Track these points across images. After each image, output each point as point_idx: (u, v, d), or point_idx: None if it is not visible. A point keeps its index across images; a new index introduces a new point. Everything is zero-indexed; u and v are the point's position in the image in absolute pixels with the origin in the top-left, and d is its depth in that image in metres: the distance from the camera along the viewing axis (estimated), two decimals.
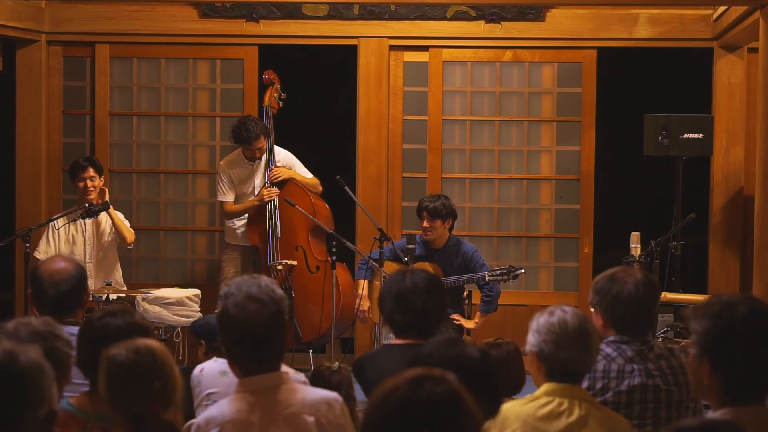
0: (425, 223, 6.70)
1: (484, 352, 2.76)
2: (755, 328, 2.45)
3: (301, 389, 3.19)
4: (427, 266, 6.61)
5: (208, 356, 4.46)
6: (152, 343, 2.97)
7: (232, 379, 3.46)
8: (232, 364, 3.15)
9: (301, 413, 3.10)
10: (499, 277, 6.63)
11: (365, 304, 6.81)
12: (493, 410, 2.70)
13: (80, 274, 3.98)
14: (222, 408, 3.12)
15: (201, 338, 4.62)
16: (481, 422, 1.93)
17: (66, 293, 3.91)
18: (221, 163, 7.44)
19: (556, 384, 3.14)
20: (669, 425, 2.11)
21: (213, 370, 4.16)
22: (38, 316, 3.99)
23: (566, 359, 3.13)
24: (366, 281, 6.86)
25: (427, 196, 6.87)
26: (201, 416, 3.14)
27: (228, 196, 7.31)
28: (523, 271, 6.70)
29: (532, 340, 3.18)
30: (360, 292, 6.85)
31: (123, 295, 6.45)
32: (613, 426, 3.18)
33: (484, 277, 6.65)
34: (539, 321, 3.19)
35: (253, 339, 3.07)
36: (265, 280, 3.49)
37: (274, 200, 7.21)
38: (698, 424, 2.01)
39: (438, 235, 6.74)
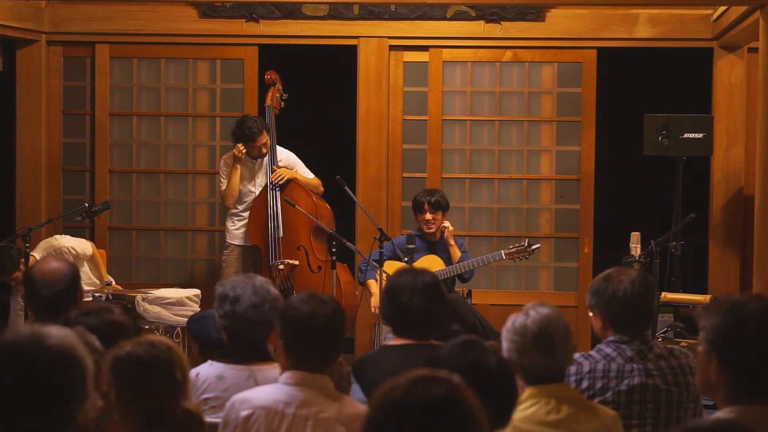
0: (428, 216, 6.83)
1: (501, 357, 2.74)
2: (765, 326, 2.45)
3: (343, 399, 3.25)
4: (437, 259, 6.68)
5: (203, 358, 4.29)
6: (163, 337, 2.98)
7: (229, 383, 3.48)
8: (286, 355, 3.22)
9: (335, 421, 3.14)
10: (517, 254, 6.68)
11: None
12: (508, 417, 2.69)
13: (74, 274, 3.99)
14: (261, 392, 3.20)
15: (199, 341, 4.32)
16: (485, 425, 1.93)
17: (60, 293, 3.92)
18: (224, 157, 7.41)
19: (538, 386, 3.13)
20: (680, 425, 2.09)
21: (209, 374, 3.89)
22: (34, 316, 4.00)
23: (530, 366, 3.12)
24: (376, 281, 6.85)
25: (422, 192, 7.02)
26: (239, 395, 3.22)
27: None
28: (539, 245, 6.76)
29: (503, 345, 3.17)
30: (372, 291, 6.83)
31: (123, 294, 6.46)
32: (601, 419, 3.18)
33: (501, 256, 6.70)
34: (507, 326, 3.18)
35: (313, 332, 3.18)
36: (260, 279, 3.55)
37: (276, 200, 7.20)
38: (711, 424, 2.02)
39: (438, 227, 6.87)
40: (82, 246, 6.91)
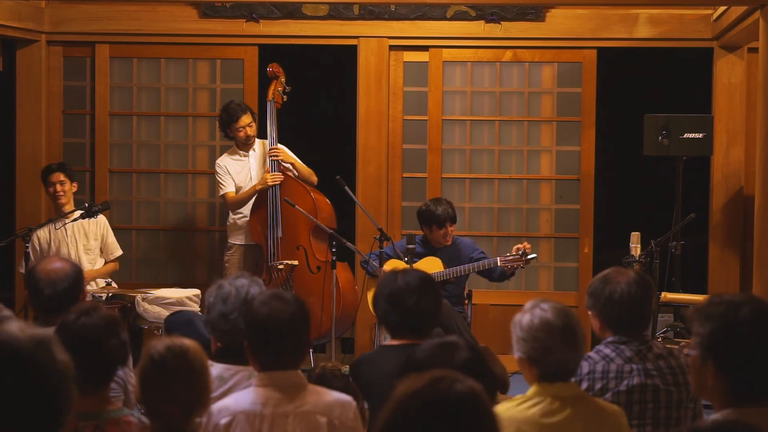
0: (450, 229, 6.78)
1: (476, 356, 2.74)
2: (760, 328, 2.45)
3: (318, 390, 3.27)
4: (436, 261, 6.66)
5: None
6: (190, 344, 2.99)
7: (231, 384, 3.48)
8: (253, 358, 3.25)
9: (314, 413, 3.17)
10: (513, 262, 6.63)
11: None
12: None
13: (77, 274, 3.98)
14: (237, 398, 3.22)
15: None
16: (498, 421, 1.95)
17: (62, 293, 3.91)
18: (217, 160, 7.45)
19: (548, 384, 3.12)
20: (680, 425, 2.07)
21: (211, 375, 3.99)
22: (35, 315, 4.00)
23: (556, 362, 3.11)
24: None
25: (436, 205, 6.84)
26: (215, 405, 3.22)
27: (229, 187, 7.31)
28: (535, 256, 6.71)
29: (518, 347, 3.13)
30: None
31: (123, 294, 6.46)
32: (605, 420, 3.17)
33: (497, 263, 6.65)
34: (522, 325, 3.13)
35: (275, 334, 3.18)
36: (239, 283, 3.55)
37: (275, 199, 7.20)
38: (712, 424, 2.02)
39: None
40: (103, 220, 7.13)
